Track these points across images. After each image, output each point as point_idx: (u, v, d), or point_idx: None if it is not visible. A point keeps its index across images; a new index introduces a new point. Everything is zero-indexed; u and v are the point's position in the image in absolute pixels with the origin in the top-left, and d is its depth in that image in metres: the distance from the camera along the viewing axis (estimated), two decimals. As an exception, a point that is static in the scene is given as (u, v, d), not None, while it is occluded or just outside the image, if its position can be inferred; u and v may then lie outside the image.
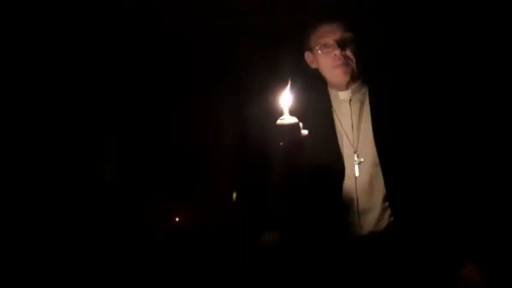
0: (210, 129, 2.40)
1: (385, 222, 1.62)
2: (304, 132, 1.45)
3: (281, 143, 1.42)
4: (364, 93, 1.71)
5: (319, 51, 1.69)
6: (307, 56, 1.77)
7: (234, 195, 1.82)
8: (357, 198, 1.64)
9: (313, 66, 1.76)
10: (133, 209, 2.33)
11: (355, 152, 1.65)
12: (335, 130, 1.70)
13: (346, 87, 1.70)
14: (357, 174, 1.64)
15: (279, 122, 1.39)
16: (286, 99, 1.40)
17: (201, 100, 2.40)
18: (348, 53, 1.65)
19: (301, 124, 1.43)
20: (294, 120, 1.39)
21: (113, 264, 2.19)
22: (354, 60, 1.66)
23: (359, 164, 1.64)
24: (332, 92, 1.75)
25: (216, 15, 2.31)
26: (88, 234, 2.26)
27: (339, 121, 1.72)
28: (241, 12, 2.27)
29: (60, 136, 2.32)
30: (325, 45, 1.67)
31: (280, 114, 1.40)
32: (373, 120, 1.66)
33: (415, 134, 1.61)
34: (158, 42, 2.41)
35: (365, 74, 1.70)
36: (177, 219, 2.34)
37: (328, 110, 1.74)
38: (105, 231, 2.29)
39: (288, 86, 1.42)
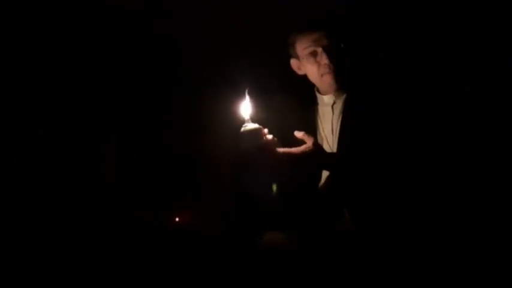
0: (210, 129, 2.40)
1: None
2: (269, 136, 1.50)
3: (247, 148, 1.51)
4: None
5: (307, 60, 1.68)
6: (293, 63, 1.77)
7: (274, 187, 1.85)
8: (335, 200, 1.64)
9: (300, 73, 1.77)
10: (133, 210, 2.33)
11: None
12: (316, 133, 1.71)
13: (331, 91, 1.70)
14: None
15: (242, 129, 1.49)
16: (246, 108, 1.51)
17: (202, 101, 2.40)
18: (336, 60, 1.64)
19: (266, 130, 1.51)
20: (254, 126, 1.49)
21: (113, 264, 2.19)
22: (343, 66, 1.65)
23: None
24: (318, 96, 1.75)
25: (207, 17, 2.32)
26: (88, 235, 2.26)
27: (321, 124, 1.72)
28: (230, 15, 2.28)
29: (60, 136, 2.32)
30: (313, 54, 1.66)
31: (243, 122, 1.51)
32: (341, 124, 1.66)
33: (380, 144, 1.58)
34: (159, 43, 2.41)
35: (348, 79, 1.69)
36: (177, 219, 2.34)
37: (312, 114, 1.75)
38: (105, 231, 2.29)
39: (247, 95, 1.51)
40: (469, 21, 2.08)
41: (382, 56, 2.17)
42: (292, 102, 1.79)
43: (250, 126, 1.49)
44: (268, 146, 1.50)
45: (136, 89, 2.44)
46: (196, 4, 2.25)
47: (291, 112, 1.74)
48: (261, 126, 1.50)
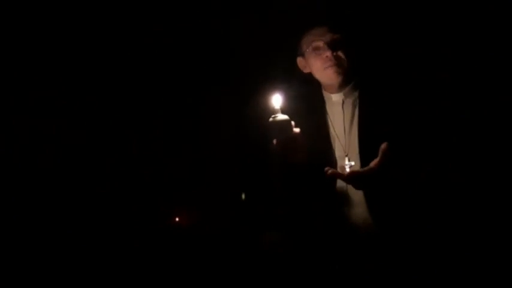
0: (210, 129, 2.40)
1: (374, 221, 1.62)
2: (296, 129, 1.49)
3: (274, 140, 1.50)
4: (357, 96, 1.70)
5: (311, 54, 1.69)
6: (299, 61, 1.78)
7: (243, 195, 1.84)
8: (349, 200, 1.64)
9: (306, 71, 1.78)
10: (134, 209, 2.33)
11: (346, 156, 1.65)
12: (328, 133, 1.71)
13: (339, 89, 1.70)
14: None
15: (270, 119, 1.47)
16: (277, 98, 1.49)
17: (202, 101, 2.40)
18: (339, 54, 1.65)
19: (293, 122, 1.49)
20: (284, 117, 1.47)
21: (113, 264, 2.19)
22: (346, 61, 1.66)
23: (350, 167, 1.62)
24: (326, 95, 1.76)
25: (212, 17, 2.32)
26: (88, 235, 2.26)
27: (332, 124, 1.72)
28: (237, 14, 2.28)
29: (60, 136, 2.32)
30: (316, 48, 1.68)
31: (273, 113, 1.48)
32: (359, 124, 1.65)
33: (400, 142, 1.58)
34: (162, 43, 2.42)
35: (358, 77, 1.70)
36: (177, 219, 2.34)
37: (321, 113, 1.74)
38: (106, 231, 2.29)
39: (279, 87, 1.50)
40: (469, 21, 2.08)
41: (382, 56, 2.16)
42: (302, 101, 1.78)
43: (280, 117, 1.48)
44: (298, 140, 1.50)
45: (137, 89, 2.43)
46: (197, 3, 2.25)
47: (301, 111, 1.73)
48: (289, 118, 1.49)
